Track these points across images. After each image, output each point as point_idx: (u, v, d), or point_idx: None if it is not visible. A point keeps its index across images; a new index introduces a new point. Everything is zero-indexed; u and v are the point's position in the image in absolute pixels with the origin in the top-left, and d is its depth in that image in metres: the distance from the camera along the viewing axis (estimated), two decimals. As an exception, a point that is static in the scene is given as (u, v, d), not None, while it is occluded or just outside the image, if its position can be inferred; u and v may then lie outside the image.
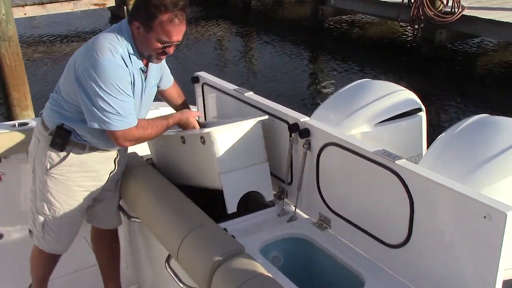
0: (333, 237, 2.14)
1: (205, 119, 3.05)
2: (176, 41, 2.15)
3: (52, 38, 11.85)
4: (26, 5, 10.92)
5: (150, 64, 2.30)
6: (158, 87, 2.52)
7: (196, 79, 2.93)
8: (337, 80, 8.53)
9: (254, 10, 14.18)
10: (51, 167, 2.33)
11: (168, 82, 2.61)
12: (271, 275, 1.72)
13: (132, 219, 2.52)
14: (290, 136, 2.22)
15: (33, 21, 12.46)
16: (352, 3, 10.86)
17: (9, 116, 5.07)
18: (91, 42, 2.15)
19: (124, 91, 2.10)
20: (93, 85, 2.05)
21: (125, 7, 11.98)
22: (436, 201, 1.70)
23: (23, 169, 3.25)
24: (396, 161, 1.79)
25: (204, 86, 2.90)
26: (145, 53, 2.20)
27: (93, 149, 2.34)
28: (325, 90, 8.24)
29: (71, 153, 2.30)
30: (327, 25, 11.85)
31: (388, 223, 1.89)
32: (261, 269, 1.73)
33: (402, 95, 3.02)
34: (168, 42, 2.12)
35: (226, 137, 2.22)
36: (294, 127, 2.18)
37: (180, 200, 2.23)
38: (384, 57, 9.76)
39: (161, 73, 2.51)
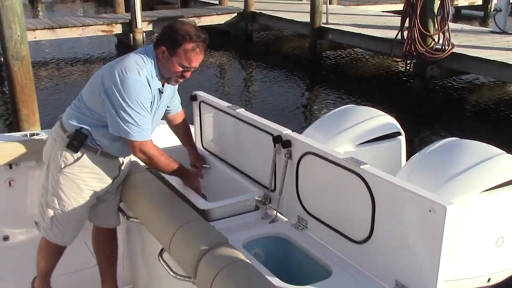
0: (308, 236, 2.41)
1: (201, 136, 3.32)
2: (194, 67, 2.46)
3: (60, 60, 12.23)
4: (36, 29, 11.31)
5: (165, 85, 2.58)
6: (168, 109, 2.81)
7: (194, 97, 3.24)
8: (330, 106, 8.88)
9: (256, 42, 14.65)
10: (65, 166, 2.56)
11: (177, 108, 2.89)
12: (251, 263, 1.97)
13: (131, 219, 2.76)
14: (274, 146, 2.50)
15: (42, 44, 12.87)
16: (348, 38, 11.32)
17: (18, 130, 5.34)
18: (120, 60, 2.45)
19: (145, 108, 2.39)
20: (120, 99, 2.34)
21: (131, 35, 12.42)
22: (393, 200, 1.98)
23: (32, 176, 3.51)
24: (361, 166, 2.07)
25: (201, 103, 3.20)
26: (165, 75, 2.49)
27: (104, 154, 2.59)
28: (317, 114, 8.59)
29: (84, 155, 2.54)
30: (324, 58, 12.28)
31: (354, 221, 2.15)
32: (242, 257, 1.99)
33: (383, 120, 3.33)
34: (187, 67, 2.43)
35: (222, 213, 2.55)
36: (277, 139, 2.47)
37: (174, 200, 2.49)
38: (377, 89, 10.13)
39: (172, 96, 2.79)
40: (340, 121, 3.33)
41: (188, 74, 2.49)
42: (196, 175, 2.77)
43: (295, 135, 2.45)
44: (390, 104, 8.34)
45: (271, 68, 11.86)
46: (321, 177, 2.31)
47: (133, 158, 3.07)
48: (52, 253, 2.83)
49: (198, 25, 2.53)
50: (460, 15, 19.14)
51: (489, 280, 2.65)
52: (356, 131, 3.20)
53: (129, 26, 12.40)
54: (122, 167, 2.74)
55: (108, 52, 13.33)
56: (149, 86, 2.42)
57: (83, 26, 11.89)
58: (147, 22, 12.86)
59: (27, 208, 3.53)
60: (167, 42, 2.42)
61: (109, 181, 2.69)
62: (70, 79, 10.73)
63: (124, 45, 13.07)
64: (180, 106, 2.92)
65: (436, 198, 1.80)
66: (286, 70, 11.59)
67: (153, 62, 2.45)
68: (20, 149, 3.34)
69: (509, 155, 2.71)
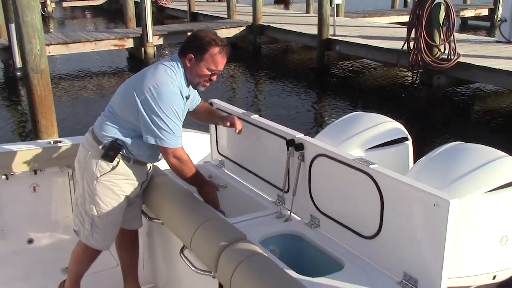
0: (321, 234, 2.54)
1: (217, 142, 3.47)
2: (220, 70, 2.63)
3: (74, 74, 12.51)
4: (51, 44, 11.58)
5: (189, 90, 2.72)
6: (191, 107, 2.94)
7: (210, 105, 3.41)
8: (338, 115, 9.03)
9: (265, 54, 14.88)
10: (101, 175, 2.66)
11: (197, 101, 3.00)
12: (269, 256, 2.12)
13: (154, 220, 2.90)
14: (288, 149, 2.65)
15: (56, 58, 13.16)
16: (355, 49, 11.49)
17: (37, 141, 5.54)
18: (151, 72, 2.58)
19: (178, 116, 2.55)
20: (155, 108, 2.48)
21: (142, 49, 12.69)
22: (400, 196, 2.12)
23: (55, 181, 3.68)
24: (370, 166, 2.21)
25: (217, 110, 3.36)
26: (194, 80, 2.64)
27: (137, 161, 2.71)
28: (325, 123, 8.74)
29: (119, 164, 2.66)
30: (332, 68, 12.46)
31: (364, 218, 2.29)
32: (260, 251, 2.13)
33: (391, 125, 3.46)
34: (214, 70, 2.60)
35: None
36: (290, 142, 2.62)
37: (194, 200, 2.64)
38: (384, 98, 10.28)
39: (191, 99, 2.87)
40: (349, 127, 3.46)
41: (214, 78, 2.65)
42: (214, 188, 2.84)
43: (307, 138, 2.60)
44: (397, 113, 8.48)
45: (280, 79, 12.05)
46: (333, 177, 2.45)
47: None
48: (89, 257, 2.91)
49: None
50: (466, 25, 19.30)
51: (494, 277, 2.74)
52: (364, 136, 3.33)
53: (141, 40, 12.68)
54: (149, 172, 2.87)
55: (120, 66, 13.63)
56: (181, 95, 2.58)
57: (95, 40, 12.18)
58: (157, 36, 13.13)
59: (50, 212, 3.69)
60: (194, 49, 2.57)
61: (139, 185, 2.81)
62: (84, 92, 10.99)
63: (136, 58, 13.35)
64: (199, 97, 3.02)
65: (440, 194, 1.94)
66: (294, 81, 11.78)
67: (181, 71, 2.61)
68: (44, 156, 3.50)
69: (511, 157, 2.82)
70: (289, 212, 2.71)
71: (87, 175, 2.70)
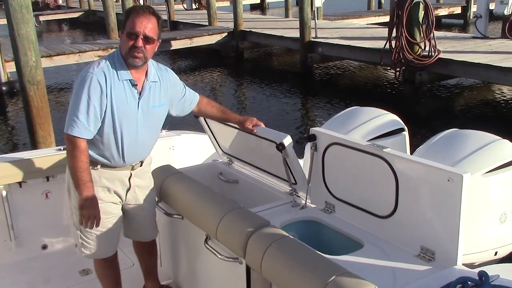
0: (337, 218, 2.69)
1: (218, 143, 3.54)
2: (140, 32, 2.40)
3: (58, 86, 12.49)
4: (34, 57, 11.56)
5: (146, 83, 2.55)
6: (189, 108, 2.84)
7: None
8: (326, 115, 9.21)
9: (247, 59, 15.05)
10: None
11: (195, 100, 2.88)
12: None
13: (174, 216, 2.96)
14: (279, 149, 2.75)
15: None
16: (338, 50, 11.74)
17: (35, 152, 5.57)
18: None
19: (88, 98, 2.39)
20: (72, 92, 2.47)
21: (126, 58, 12.73)
22: (414, 175, 2.28)
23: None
24: (384, 150, 2.37)
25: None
26: (123, 53, 2.46)
27: (104, 166, 2.58)
28: (313, 124, 8.91)
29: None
30: (315, 70, 12.70)
31: (379, 199, 2.44)
32: (286, 234, 2.26)
33: (387, 117, 3.62)
34: (130, 31, 2.40)
35: None
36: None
37: (213, 194, 2.75)
38: (369, 96, 10.52)
39: (168, 97, 2.70)
40: (348, 121, 3.61)
41: (139, 43, 2.41)
42: (97, 206, 2.52)
43: (319, 129, 2.75)
44: (384, 109, 8.68)
45: (264, 83, 12.22)
46: (346, 163, 2.61)
47: (167, 161, 3.30)
48: (102, 268, 2.84)
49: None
50: (441, 24, 19.78)
51: (496, 253, 2.90)
52: (364, 129, 3.48)
53: (124, 50, 12.70)
54: (131, 179, 2.68)
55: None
56: (104, 74, 2.41)
57: (79, 52, 12.20)
58: (141, 46, 13.17)
59: (62, 218, 3.73)
60: (121, 24, 2.52)
61: (119, 193, 2.67)
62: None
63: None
64: (197, 95, 2.92)
65: (453, 169, 2.11)
66: (279, 84, 11.96)
67: (118, 55, 2.49)
68: (55, 163, 3.57)
69: (505, 140, 3.00)
70: (303, 201, 2.85)
71: (70, 185, 2.59)
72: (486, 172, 2.80)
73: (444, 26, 18.68)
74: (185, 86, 2.88)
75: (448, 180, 2.10)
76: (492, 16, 11.74)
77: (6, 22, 5.37)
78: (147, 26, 2.43)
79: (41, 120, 5.56)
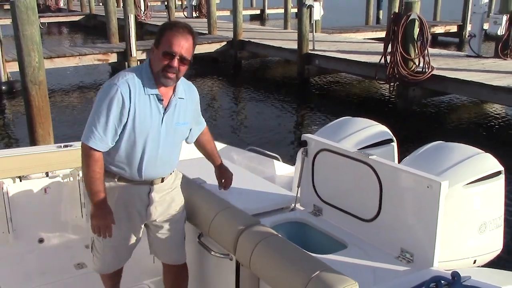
0: (324, 220, 2.84)
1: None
2: (177, 52, 2.32)
3: (59, 87, 12.60)
4: (35, 58, 11.71)
5: (173, 99, 2.46)
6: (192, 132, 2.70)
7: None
8: (321, 126, 9.37)
9: (245, 69, 15.24)
10: None
11: (200, 129, 2.80)
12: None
13: None
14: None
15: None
16: (335, 63, 11.94)
17: (34, 151, 5.69)
18: None
19: (109, 109, 2.32)
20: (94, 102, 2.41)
21: (126, 63, 12.91)
22: (397, 182, 2.43)
23: (66, 184, 3.84)
24: (370, 157, 2.53)
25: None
26: (155, 70, 2.37)
27: (122, 179, 2.50)
28: (308, 132, 9.07)
29: (105, 182, 2.44)
30: (312, 82, 12.90)
31: (364, 203, 2.60)
32: (274, 233, 2.40)
33: (377, 128, 3.77)
34: (167, 51, 2.32)
35: None
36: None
37: (207, 192, 2.87)
38: (363, 110, 10.68)
39: (192, 115, 2.63)
40: (339, 130, 3.76)
41: (174, 63, 2.34)
42: (108, 217, 2.44)
43: (310, 136, 2.91)
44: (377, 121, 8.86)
45: (260, 92, 12.39)
46: (335, 169, 2.76)
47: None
48: (104, 281, 2.82)
49: None
50: (437, 41, 20.09)
51: (475, 261, 3.03)
52: (354, 138, 3.63)
53: (124, 55, 12.91)
54: (152, 195, 2.57)
55: (103, 80, 13.78)
56: (129, 87, 2.33)
57: (80, 55, 12.36)
58: (141, 51, 13.37)
59: (60, 214, 3.84)
60: (156, 39, 2.40)
61: (138, 209, 2.57)
62: (68, 105, 11.14)
63: (119, 73, 13.54)
64: (204, 123, 2.85)
65: (433, 177, 2.27)
66: (276, 95, 12.14)
67: (147, 69, 2.41)
68: (55, 159, 3.67)
69: (487, 153, 3.14)
70: (293, 204, 3.00)
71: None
72: (467, 184, 2.90)
73: (440, 44, 18.99)
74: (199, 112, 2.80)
75: (428, 187, 2.26)
76: (488, 36, 11.99)
77: (7, 23, 5.52)
78: (184, 46, 2.35)
79: (41, 119, 5.70)
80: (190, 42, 2.38)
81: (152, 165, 2.49)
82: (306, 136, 2.91)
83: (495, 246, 3.03)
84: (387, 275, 2.32)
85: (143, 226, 2.65)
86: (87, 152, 2.39)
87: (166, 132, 2.47)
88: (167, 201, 2.63)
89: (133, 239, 2.65)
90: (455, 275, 2.06)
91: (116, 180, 2.51)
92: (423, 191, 2.28)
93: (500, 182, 2.92)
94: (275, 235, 2.37)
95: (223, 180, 2.99)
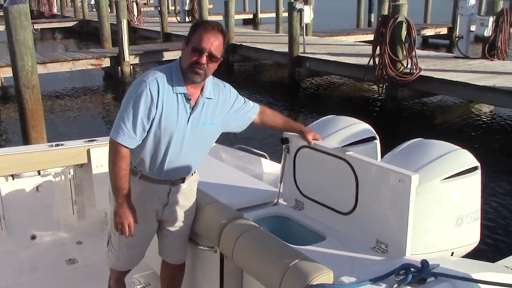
0: (305, 214, 2.96)
1: None
2: (206, 49, 2.32)
3: (52, 92, 12.71)
4: (28, 63, 11.81)
5: (201, 98, 2.45)
6: (247, 121, 2.74)
7: None
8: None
9: (237, 72, 15.39)
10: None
11: (254, 111, 2.78)
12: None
13: None
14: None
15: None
16: (324, 65, 12.11)
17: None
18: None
19: (137, 106, 2.32)
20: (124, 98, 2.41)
21: (119, 68, 13.02)
22: (372, 176, 2.55)
23: (57, 182, 3.93)
24: (346, 153, 2.65)
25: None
26: (184, 67, 2.38)
27: (144, 177, 2.50)
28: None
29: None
30: (303, 84, 13.06)
31: (342, 197, 2.72)
32: (256, 225, 2.52)
33: (360, 126, 3.89)
34: (196, 47, 2.32)
35: None
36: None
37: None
38: (353, 111, 10.79)
39: (223, 117, 2.59)
40: (324, 128, 3.86)
41: (203, 59, 2.33)
42: (130, 215, 2.45)
43: (291, 133, 3.03)
44: (366, 121, 9.01)
45: (252, 95, 12.51)
46: (314, 165, 2.88)
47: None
48: (112, 279, 2.83)
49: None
50: (427, 43, 20.32)
51: (452, 254, 3.14)
52: (338, 136, 3.73)
53: (117, 60, 13.02)
54: (170, 194, 2.58)
55: (96, 84, 13.89)
56: (158, 84, 2.34)
57: (73, 60, 12.46)
58: (134, 56, 13.50)
59: (52, 211, 3.93)
60: (187, 38, 2.41)
61: (156, 208, 2.58)
62: (61, 108, 11.24)
63: (112, 77, 13.65)
64: (257, 105, 2.82)
65: (404, 171, 2.39)
66: (267, 97, 12.29)
67: (174, 67, 2.43)
68: (47, 158, 3.75)
69: (464, 150, 3.26)
70: (276, 199, 3.12)
71: (111, 190, 2.55)
72: (445, 179, 2.99)
73: (431, 46, 19.22)
74: (245, 99, 2.77)
75: (399, 181, 2.37)
76: (477, 38, 12.20)
77: (0, 29, 5.62)
78: (214, 43, 2.35)
79: (34, 123, 5.80)
80: (220, 40, 2.38)
81: (174, 164, 2.50)
82: (288, 133, 3.03)
83: (472, 238, 3.10)
84: (362, 264, 2.44)
85: (157, 225, 2.67)
86: (115, 148, 2.38)
87: (191, 132, 2.47)
88: (184, 204, 2.65)
89: (147, 238, 2.67)
90: (424, 263, 2.18)
91: (137, 177, 2.52)
92: (396, 185, 2.40)
93: (476, 177, 2.99)
94: (257, 227, 2.49)
95: (313, 135, 2.90)
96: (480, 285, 2.07)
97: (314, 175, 2.92)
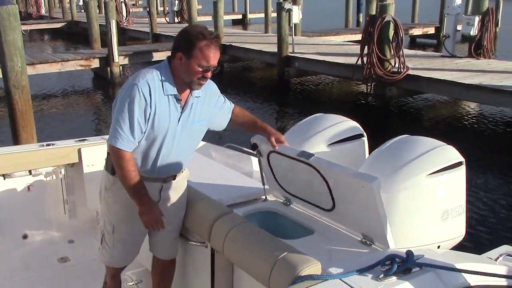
0: (293, 209, 3.02)
1: None
2: (213, 65, 2.39)
3: (41, 94, 12.67)
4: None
5: (190, 98, 2.50)
6: (223, 121, 2.76)
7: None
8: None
9: (227, 72, 15.43)
10: (107, 188, 2.60)
11: (228, 111, 2.79)
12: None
13: None
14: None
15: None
16: (313, 65, 12.19)
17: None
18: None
19: (132, 110, 2.34)
20: (116, 102, 2.43)
21: (108, 68, 13.01)
22: (339, 180, 2.55)
23: (48, 182, 3.95)
24: (309, 158, 2.62)
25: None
26: (186, 79, 2.41)
27: None
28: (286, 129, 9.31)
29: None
30: (292, 84, 13.14)
31: (320, 196, 2.73)
32: (245, 220, 2.57)
33: (348, 124, 3.95)
34: (206, 66, 2.37)
35: None
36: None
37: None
38: (342, 109, 10.87)
39: (209, 112, 2.64)
40: (312, 126, 3.91)
41: (209, 74, 2.42)
42: (154, 212, 2.53)
43: (259, 138, 2.94)
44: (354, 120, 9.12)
45: (241, 95, 12.59)
46: (287, 167, 2.88)
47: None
48: (108, 276, 2.85)
49: None
50: (415, 43, 20.50)
51: (438, 247, 3.21)
52: (326, 134, 3.78)
53: (106, 60, 13.00)
54: (163, 191, 2.63)
55: (85, 85, 13.86)
56: (149, 87, 2.36)
57: (62, 61, 12.43)
58: (123, 56, 13.50)
59: (44, 211, 3.95)
60: (182, 46, 2.39)
61: None
62: (51, 109, 11.22)
63: (101, 78, 13.64)
64: (231, 104, 2.82)
65: (365, 177, 2.34)
66: (257, 97, 12.36)
67: (167, 70, 2.44)
68: (38, 157, 3.77)
69: (449, 146, 3.33)
70: (264, 196, 3.17)
71: (102, 187, 2.64)
72: (430, 174, 3.06)
73: (418, 46, 19.38)
74: (224, 97, 2.80)
75: (362, 187, 2.39)
76: (464, 37, 12.35)
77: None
78: (217, 57, 2.41)
79: (24, 123, 5.81)
80: (219, 50, 2.43)
81: (165, 162, 2.55)
82: (256, 138, 2.96)
83: (458, 232, 3.16)
84: (349, 256, 2.50)
85: None
86: (117, 154, 2.41)
87: (182, 131, 2.53)
88: (175, 200, 2.70)
89: (141, 234, 2.71)
90: (409, 253, 2.24)
91: None
92: (361, 189, 2.40)
93: (461, 172, 3.04)
94: (246, 222, 2.55)
95: (276, 138, 2.80)
96: (464, 274, 2.13)
97: (291, 176, 2.93)
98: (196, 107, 2.57)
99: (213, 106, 2.68)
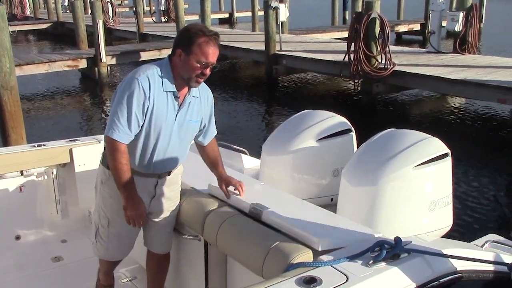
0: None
1: None
2: (212, 62, 2.44)
3: (30, 95, 12.60)
4: (4, 66, 11.69)
5: (188, 97, 2.55)
6: (199, 135, 2.74)
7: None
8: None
9: (214, 71, 15.33)
10: (103, 182, 2.63)
11: (211, 134, 2.79)
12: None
13: None
14: None
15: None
16: (301, 62, 12.28)
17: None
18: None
19: (130, 102, 2.39)
20: (115, 94, 2.48)
21: (96, 68, 12.96)
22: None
23: (40, 182, 3.95)
24: (262, 212, 2.51)
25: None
26: (185, 76, 2.45)
27: (132, 171, 2.52)
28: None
29: None
30: (280, 81, 13.20)
31: None
32: (237, 212, 2.62)
33: (337, 119, 4.01)
34: (205, 62, 2.40)
35: None
36: None
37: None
38: (329, 106, 10.92)
39: (202, 115, 2.67)
40: (300, 123, 3.98)
41: (207, 71, 2.46)
42: (139, 206, 2.56)
43: (214, 188, 2.86)
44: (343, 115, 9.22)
45: (230, 93, 12.62)
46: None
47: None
48: (101, 272, 2.88)
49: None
50: (401, 40, 20.68)
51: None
52: (315, 130, 3.85)
53: (94, 61, 12.96)
54: (157, 186, 2.68)
55: (72, 86, 13.80)
56: (149, 81, 2.41)
57: (49, 62, 12.36)
58: (110, 56, 13.45)
59: (36, 211, 3.95)
60: (182, 43, 2.44)
61: (144, 199, 2.62)
62: (40, 110, 11.17)
63: (89, 78, 13.59)
64: (215, 131, 2.84)
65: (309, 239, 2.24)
66: (244, 94, 12.42)
67: (167, 68, 2.49)
68: (29, 158, 3.77)
69: (435, 138, 3.40)
70: None
71: (98, 182, 2.68)
72: (417, 165, 3.11)
73: (404, 42, 19.55)
74: (213, 119, 2.81)
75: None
76: (449, 33, 12.48)
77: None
78: (216, 54, 2.45)
79: (14, 124, 5.80)
80: (218, 47, 2.47)
81: (161, 158, 2.59)
82: (211, 186, 2.88)
83: (445, 222, 3.23)
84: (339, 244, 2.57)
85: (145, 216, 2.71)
86: (112, 146, 2.45)
87: (178, 128, 2.58)
88: (170, 195, 2.75)
89: (135, 229, 2.72)
90: (397, 239, 2.31)
91: None
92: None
93: (447, 163, 3.12)
94: (238, 214, 2.60)
95: (232, 189, 2.76)
96: (451, 260, 2.20)
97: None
98: (194, 107, 2.62)
99: (207, 112, 2.73)
